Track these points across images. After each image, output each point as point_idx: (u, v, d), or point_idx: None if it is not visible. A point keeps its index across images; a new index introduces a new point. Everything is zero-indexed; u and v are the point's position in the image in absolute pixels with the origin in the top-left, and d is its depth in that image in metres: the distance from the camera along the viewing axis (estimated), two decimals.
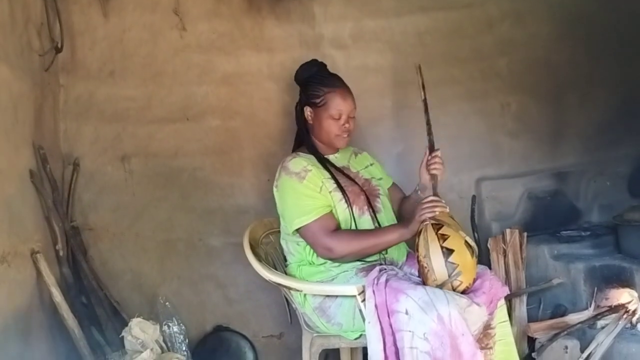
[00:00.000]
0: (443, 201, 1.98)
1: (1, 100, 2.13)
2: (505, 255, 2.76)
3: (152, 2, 2.82)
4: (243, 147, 2.94)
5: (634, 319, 2.42)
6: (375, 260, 2.11)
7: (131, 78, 2.82)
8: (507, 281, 2.72)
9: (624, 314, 2.41)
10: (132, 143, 2.84)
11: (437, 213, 1.93)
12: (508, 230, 2.78)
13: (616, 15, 3.10)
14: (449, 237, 1.86)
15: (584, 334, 2.45)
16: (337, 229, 2.09)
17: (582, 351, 2.38)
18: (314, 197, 2.09)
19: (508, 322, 2.05)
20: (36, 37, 2.47)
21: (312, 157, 2.20)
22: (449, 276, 1.83)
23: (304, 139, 2.29)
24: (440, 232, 1.87)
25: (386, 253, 2.14)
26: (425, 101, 2.21)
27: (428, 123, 2.20)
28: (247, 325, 2.93)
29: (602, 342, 2.34)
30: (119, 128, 2.82)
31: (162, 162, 2.86)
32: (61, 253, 2.48)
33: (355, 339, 2.04)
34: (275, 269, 2.24)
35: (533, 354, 2.49)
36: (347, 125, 2.20)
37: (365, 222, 2.14)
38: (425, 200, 1.98)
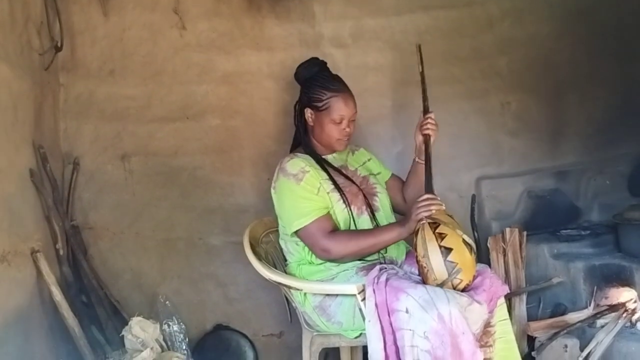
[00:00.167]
0: (439, 199, 1.98)
1: (1, 99, 2.13)
2: (505, 254, 2.76)
3: (152, 1, 2.82)
4: (243, 146, 2.94)
5: (634, 318, 2.41)
6: (375, 259, 2.12)
7: (131, 77, 2.83)
8: (507, 280, 2.71)
9: (623, 313, 2.41)
10: (132, 142, 2.84)
11: (434, 211, 1.93)
12: (508, 229, 2.78)
13: (616, 14, 3.10)
14: (446, 235, 1.86)
15: (584, 333, 2.45)
16: (335, 230, 2.09)
17: (581, 350, 2.38)
18: (311, 199, 2.09)
19: (508, 320, 2.05)
20: (36, 36, 2.47)
21: (309, 157, 2.20)
22: (449, 275, 1.83)
23: (302, 139, 2.29)
24: (437, 231, 1.87)
25: (386, 252, 2.14)
26: (422, 73, 2.30)
27: (424, 91, 2.29)
28: (247, 324, 2.93)
29: (601, 340, 2.34)
30: (119, 127, 2.83)
31: (162, 161, 2.87)
32: (61, 252, 2.48)
33: (356, 337, 2.05)
34: (275, 268, 2.24)
35: (533, 353, 2.49)
36: (347, 129, 2.20)
37: (364, 221, 2.14)
38: (421, 199, 1.97)
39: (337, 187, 2.13)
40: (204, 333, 2.87)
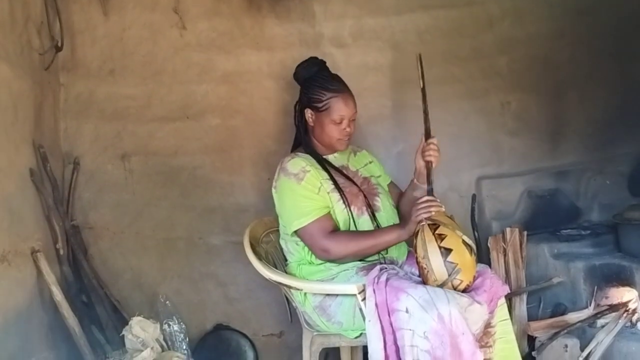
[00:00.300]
0: (438, 200, 1.98)
1: (1, 99, 2.13)
2: (505, 254, 2.76)
3: (152, 0, 2.82)
4: (243, 146, 2.94)
5: (634, 318, 2.42)
6: (375, 260, 2.11)
7: (131, 76, 2.83)
8: (507, 280, 2.72)
9: (624, 313, 2.41)
10: (132, 142, 2.84)
11: (433, 213, 1.93)
12: (508, 229, 2.78)
13: (616, 14, 3.09)
14: (446, 236, 1.87)
15: (584, 333, 2.45)
16: (335, 230, 2.09)
17: (582, 350, 2.38)
18: (312, 199, 2.09)
19: (509, 320, 2.05)
20: (36, 35, 2.47)
21: (310, 157, 2.20)
22: (449, 275, 1.83)
23: (303, 139, 2.29)
24: (437, 232, 1.88)
25: (386, 252, 2.14)
26: (423, 90, 2.20)
27: (425, 111, 2.19)
28: (248, 324, 2.93)
29: (602, 340, 2.34)
30: (119, 127, 2.83)
31: (162, 160, 2.87)
32: (61, 252, 2.49)
33: (356, 337, 2.05)
34: (276, 267, 2.24)
35: (533, 353, 2.49)
36: (348, 129, 2.20)
37: (365, 222, 2.14)
38: (421, 201, 1.98)
39: (338, 187, 2.13)
40: (204, 333, 2.87)
